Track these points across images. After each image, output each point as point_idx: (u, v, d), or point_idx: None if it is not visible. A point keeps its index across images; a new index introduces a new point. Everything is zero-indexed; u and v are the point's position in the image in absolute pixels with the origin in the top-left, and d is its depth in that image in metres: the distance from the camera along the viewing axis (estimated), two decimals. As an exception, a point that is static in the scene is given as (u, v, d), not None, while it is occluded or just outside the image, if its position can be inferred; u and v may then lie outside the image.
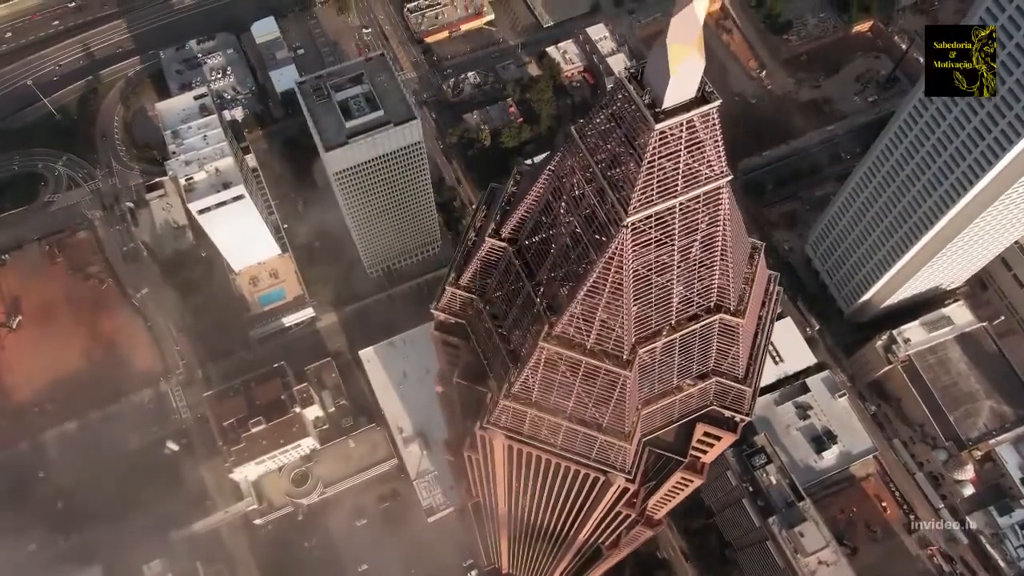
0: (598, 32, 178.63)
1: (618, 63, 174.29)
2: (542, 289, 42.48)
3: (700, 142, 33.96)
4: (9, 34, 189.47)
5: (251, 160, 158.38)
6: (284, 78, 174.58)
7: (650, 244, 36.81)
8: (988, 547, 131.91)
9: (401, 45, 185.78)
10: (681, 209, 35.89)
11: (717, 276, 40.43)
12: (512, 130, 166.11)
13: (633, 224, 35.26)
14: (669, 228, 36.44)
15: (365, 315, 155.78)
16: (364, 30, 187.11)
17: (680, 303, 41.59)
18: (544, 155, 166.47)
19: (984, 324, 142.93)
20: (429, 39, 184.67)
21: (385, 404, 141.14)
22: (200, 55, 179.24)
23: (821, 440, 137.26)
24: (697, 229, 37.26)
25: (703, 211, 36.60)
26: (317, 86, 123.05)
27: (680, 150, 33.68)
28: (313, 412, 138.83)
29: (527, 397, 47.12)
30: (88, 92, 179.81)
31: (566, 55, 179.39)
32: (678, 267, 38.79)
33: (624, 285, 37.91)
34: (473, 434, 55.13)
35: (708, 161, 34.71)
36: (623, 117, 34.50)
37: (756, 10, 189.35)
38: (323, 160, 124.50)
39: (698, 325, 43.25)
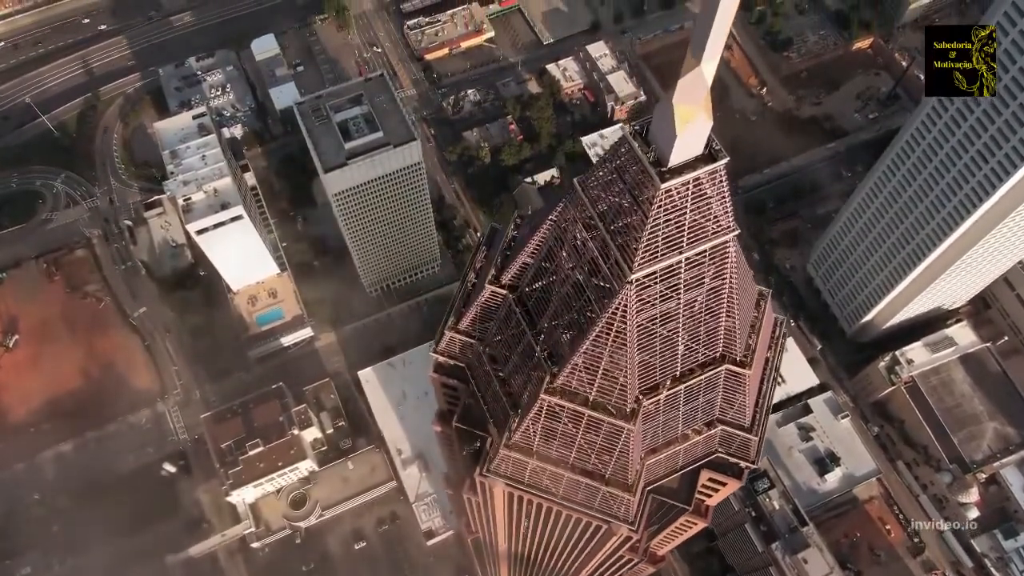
0: (598, 50, 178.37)
1: (618, 81, 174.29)
2: (543, 337, 41.60)
3: (707, 198, 33.17)
4: (8, 50, 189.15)
5: (250, 178, 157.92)
6: (284, 95, 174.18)
7: (655, 298, 35.96)
8: (993, 570, 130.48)
9: (401, 62, 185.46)
10: (687, 263, 35.06)
11: (723, 327, 39.56)
12: (512, 148, 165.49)
13: (637, 280, 34.47)
14: (674, 282, 35.61)
15: (364, 334, 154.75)
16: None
17: (685, 354, 40.70)
18: (545, 171, 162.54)
19: (987, 344, 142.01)
20: (429, 56, 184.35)
21: (384, 425, 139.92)
22: (200, 72, 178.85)
23: (824, 462, 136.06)
24: (703, 282, 36.44)
25: (709, 264, 35.78)
26: (316, 107, 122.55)
27: (686, 207, 32.87)
28: (311, 434, 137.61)
29: (528, 446, 46.12)
30: (87, 109, 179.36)
31: (566, 72, 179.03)
32: (683, 319, 37.96)
33: (628, 338, 37.05)
34: (472, 479, 54.08)
35: (715, 216, 33.92)
36: (627, 172, 33.66)
37: (756, 27, 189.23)
38: (322, 181, 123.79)
39: (704, 376, 42.40)
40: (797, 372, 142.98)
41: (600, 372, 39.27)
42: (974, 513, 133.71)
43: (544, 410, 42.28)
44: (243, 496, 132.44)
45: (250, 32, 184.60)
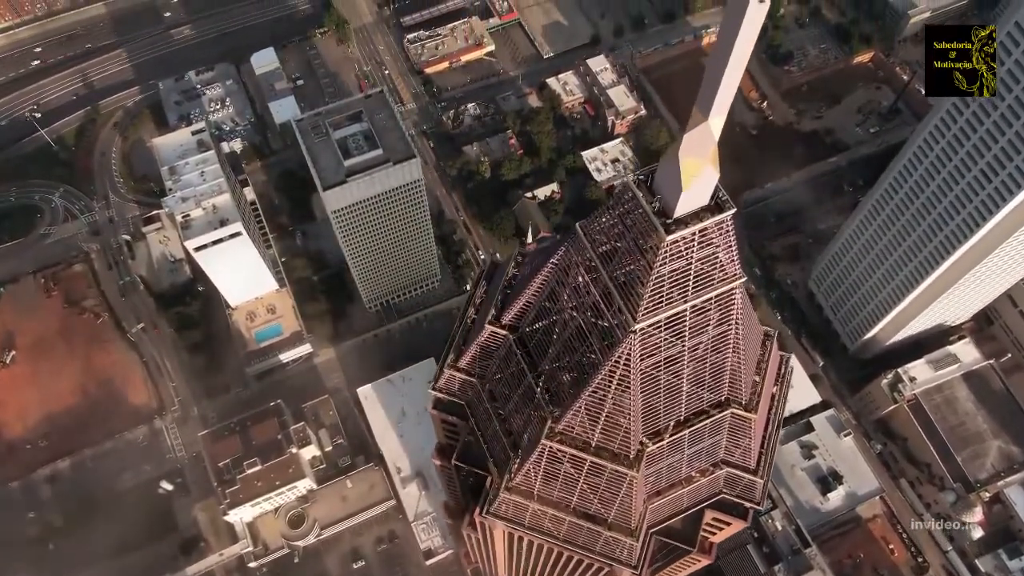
0: (599, 63, 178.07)
1: (619, 95, 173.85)
2: (544, 379, 40.77)
3: (713, 247, 32.46)
4: (7, 63, 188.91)
5: (249, 193, 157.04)
6: (283, 109, 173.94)
7: (659, 345, 35.19)
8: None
9: (401, 76, 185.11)
10: (692, 311, 34.33)
11: (728, 371, 38.78)
12: (512, 162, 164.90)
13: (642, 329, 33.71)
14: (679, 329, 34.86)
15: (363, 351, 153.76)
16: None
17: (690, 398, 39.92)
18: (545, 186, 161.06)
19: (991, 362, 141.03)
20: (429, 70, 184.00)
21: (383, 443, 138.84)
22: (199, 86, 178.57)
23: (827, 480, 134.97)
24: (708, 328, 35.69)
25: (715, 311, 35.04)
26: (315, 123, 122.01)
27: (692, 257, 32.16)
28: (310, 452, 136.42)
29: (529, 490, 45.27)
30: (86, 123, 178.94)
31: (566, 86, 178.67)
32: (688, 364, 37.18)
33: (631, 385, 36.27)
34: (472, 517, 53.16)
35: (721, 264, 33.18)
36: (631, 220, 32.96)
37: (757, 41, 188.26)
38: (322, 199, 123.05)
39: (708, 420, 41.60)
40: (799, 389, 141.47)
41: (603, 418, 38.50)
42: (978, 533, 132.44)
43: (545, 454, 41.48)
44: (241, 515, 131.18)
45: (250, 46, 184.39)
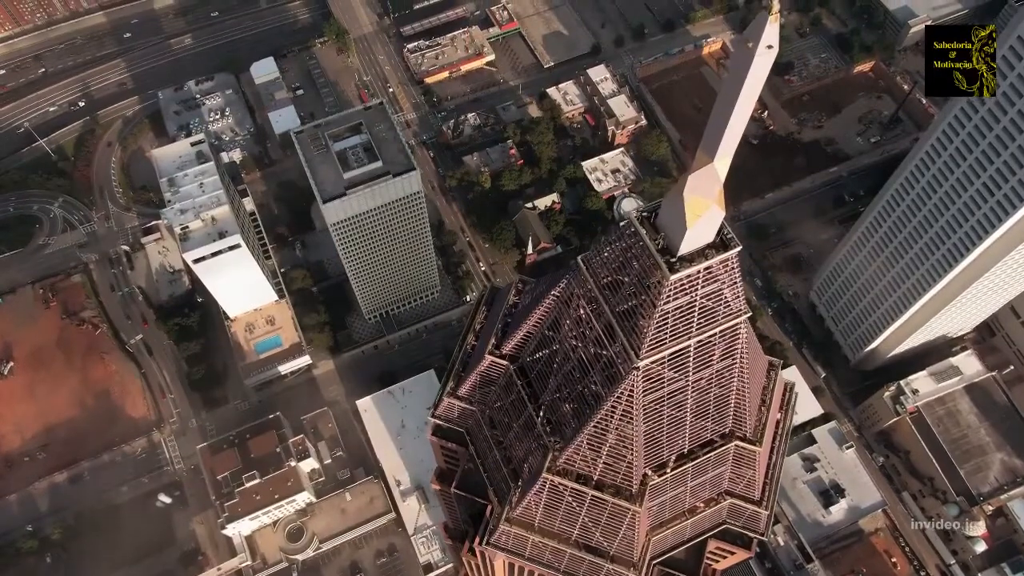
0: (599, 73, 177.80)
1: (619, 105, 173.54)
2: (544, 410, 40.11)
3: (718, 284, 31.86)
4: (5, 73, 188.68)
5: (248, 203, 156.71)
6: (283, 119, 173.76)
7: (663, 381, 34.59)
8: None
9: (401, 85, 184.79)
10: (696, 346, 33.74)
11: (732, 404, 38.18)
12: (512, 172, 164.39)
13: (645, 366, 33.11)
14: (683, 365, 34.26)
15: (363, 362, 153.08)
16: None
17: (694, 432, 39.29)
18: (545, 196, 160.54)
19: (993, 374, 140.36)
20: (429, 80, 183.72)
21: (382, 455, 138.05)
22: (198, 96, 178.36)
23: (829, 494, 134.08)
24: (712, 363, 35.09)
25: (719, 346, 34.45)
26: (315, 135, 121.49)
27: (696, 294, 31.58)
28: (309, 464, 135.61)
29: (529, 522, 44.57)
30: (85, 133, 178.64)
31: (567, 96, 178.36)
32: (692, 398, 36.58)
33: (634, 420, 35.64)
34: (472, 546, 52.41)
35: (726, 300, 32.60)
36: (635, 257, 32.37)
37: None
38: (321, 211, 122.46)
39: (712, 453, 40.95)
40: (801, 401, 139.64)
41: (605, 452, 37.84)
42: (981, 547, 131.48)
43: (547, 488, 40.80)
44: (239, 529, 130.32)
45: (249, 55, 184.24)
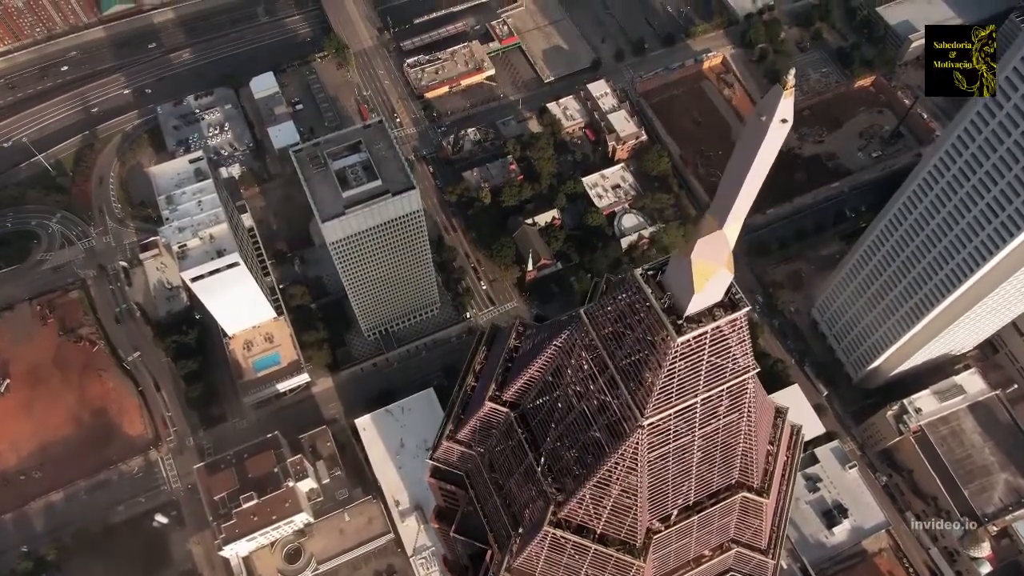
0: (599, 88, 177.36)
1: (619, 120, 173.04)
2: (546, 458, 39.15)
3: (726, 342, 31.02)
4: (5, 88, 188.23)
5: (247, 219, 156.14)
6: (282, 134, 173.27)
7: (668, 437, 33.71)
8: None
9: (401, 100, 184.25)
10: (703, 403, 32.89)
11: (739, 455, 37.28)
12: (512, 188, 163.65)
13: (650, 424, 32.23)
14: (689, 421, 33.38)
15: (362, 379, 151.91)
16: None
17: (700, 484, 38.38)
18: (546, 212, 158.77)
19: (997, 392, 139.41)
20: (429, 94, 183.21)
21: (381, 475, 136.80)
22: (198, 110, 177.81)
23: (832, 514, 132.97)
24: (719, 418, 34.21)
25: (726, 402, 33.60)
26: (314, 154, 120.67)
27: (703, 353, 30.76)
28: (307, 485, 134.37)
29: (530, 572, 43.48)
30: (84, 148, 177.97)
31: (567, 111, 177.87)
32: (698, 452, 35.69)
33: (638, 475, 34.72)
34: (472, 590, 51.45)
35: (734, 358, 31.76)
36: (639, 315, 31.54)
37: (757, 64, 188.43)
38: (320, 230, 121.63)
39: (719, 504, 40.01)
40: (803, 420, 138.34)
41: (608, 507, 36.92)
42: (986, 568, 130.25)
43: (548, 540, 39.82)
44: (236, 550, 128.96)
45: (249, 70, 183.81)
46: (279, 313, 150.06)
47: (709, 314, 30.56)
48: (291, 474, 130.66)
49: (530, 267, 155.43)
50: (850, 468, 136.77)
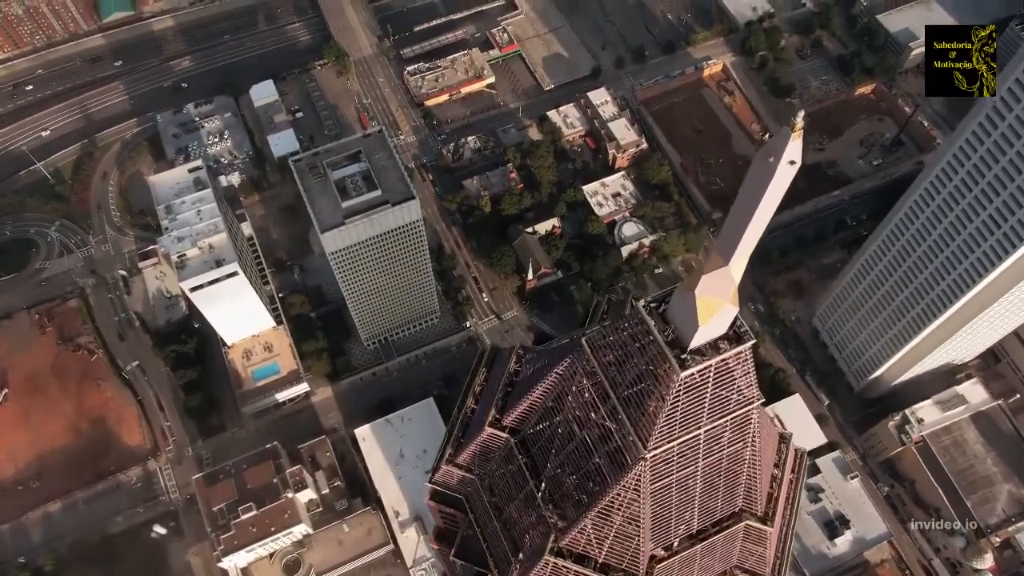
0: (599, 96, 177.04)
1: (620, 128, 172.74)
2: (546, 485, 38.63)
3: (730, 374, 30.55)
4: (5, 95, 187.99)
5: (247, 228, 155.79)
6: (282, 142, 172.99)
7: (671, 468, 33.21)
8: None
9: (401, 108, 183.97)
10: (707, 434, 32.41)
11: (743, 484, 36.78)
12: (512, 197, 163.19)
13: (653, 456, 31.76)
14: (693, 452, 32.90)
15: (361, 389, 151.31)
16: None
17: (703, 513, 37.87)
18: (546, 221, 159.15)
19: (999, 402, 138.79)
20: (429, 102, 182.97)
21: (381, 485, 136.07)
22: (197, 119, 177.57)
23: (833, 525, 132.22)
24: (723, 448, 33.73)
25: (730, 432, 33.12)
26: (313, 164, 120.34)
27: (708, 386, 30.29)
28: (306, 495, 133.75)
29: (532, 600, 43.05)
30: (83, 155, 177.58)
31: (567, 119, 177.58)
32: (701, 482, 35.17)
33: (641, 505, 34.22)
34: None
35: (739, 389, 31.29)
36: (642, 346, 31.07)
37: (758, 72, 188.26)
38: (320, 240, 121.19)
39: (722, 533, 39.50)
40: (805, 430, 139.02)
41: (610, 536, 36.41)
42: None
43: (548, 569, 39.28)
44: (235, 561, 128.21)
45: (249, 78, 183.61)
46: (278, 322, 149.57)
47: (714, 347, 30.14)
48: (290, 485, 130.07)
49: (530, 276, 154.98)
50: (852, 479, 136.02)
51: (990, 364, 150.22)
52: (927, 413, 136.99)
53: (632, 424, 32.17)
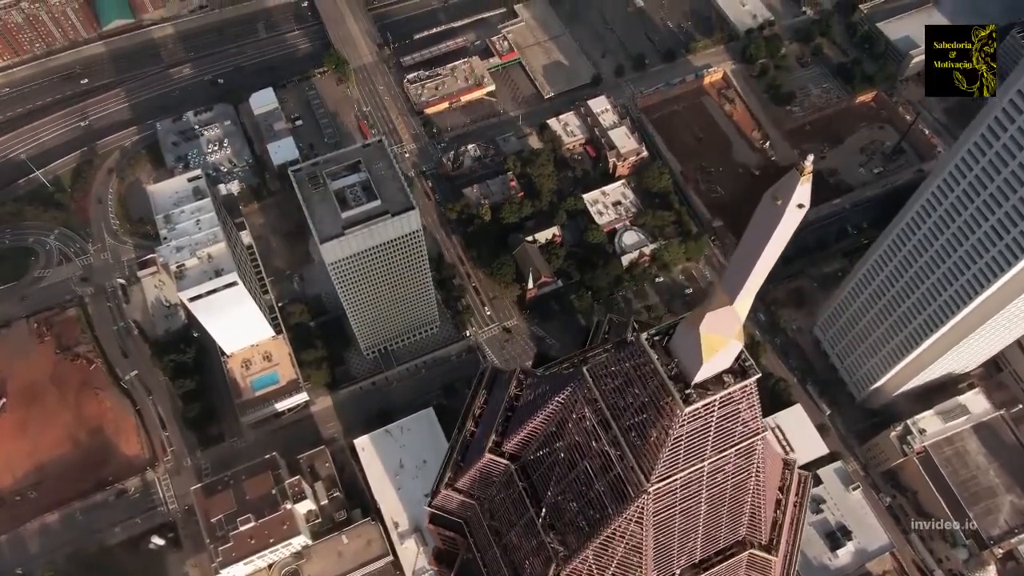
0: (599, 104, 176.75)
1: (620, 136, 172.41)
2: (547, 512, 38.11)
3: (735, 407, 30.08)
4: (4, 103, 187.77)
5: (246, 236, 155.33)
6: (282, 150, 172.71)
7: (675, 499, 32.69)
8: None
9: (401, 116, 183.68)
10: (711, 466, 31.90)
11: (747, 514, 36.26)
12: (512, 205, 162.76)
13: (656, 489, 31.26)
14: (696, 483, 32.40)
15: (361, 398, 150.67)
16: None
17: (706, 542, 37.34)
18: (546, 230, 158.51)
19: (1001, 412, 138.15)
20: (429, 110, 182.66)
21: (380, 496, 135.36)
22: (197, 126, 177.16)
23: (835, 536, 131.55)
24: (727, 479, 33.21)
25: (735, 463, 32.62)
26: (313, 174, 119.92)
27: (712, 418, 29.80)
28: (305, 506, 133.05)
29: (532, 630, 42.51)
30: (83, 163, 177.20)
31: (567, 127, 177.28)
32: (705, 512, 34.66)
33: (644, 536, 33.69)
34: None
35: (743, 421, 30.82)
36: (644, 378, 30.59)
37: (758, 80, 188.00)
38: (319, 250, 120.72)
39: (725, 563, 38.97)
40: (806, 441, 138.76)
41: (612, 566, 35.89)
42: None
43: (550, 599, 38.83)
44: (234, 573, 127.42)
45: (249, 85, 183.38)
46: (278, 331, 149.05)
47: (718, 381, 29.66)
48: (289, 496, 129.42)
49: (530, 285, 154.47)
50: (854, 489, 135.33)
51: (992, 373, 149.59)
52: (929, 423, 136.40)
53: (635, 456, 31.69)
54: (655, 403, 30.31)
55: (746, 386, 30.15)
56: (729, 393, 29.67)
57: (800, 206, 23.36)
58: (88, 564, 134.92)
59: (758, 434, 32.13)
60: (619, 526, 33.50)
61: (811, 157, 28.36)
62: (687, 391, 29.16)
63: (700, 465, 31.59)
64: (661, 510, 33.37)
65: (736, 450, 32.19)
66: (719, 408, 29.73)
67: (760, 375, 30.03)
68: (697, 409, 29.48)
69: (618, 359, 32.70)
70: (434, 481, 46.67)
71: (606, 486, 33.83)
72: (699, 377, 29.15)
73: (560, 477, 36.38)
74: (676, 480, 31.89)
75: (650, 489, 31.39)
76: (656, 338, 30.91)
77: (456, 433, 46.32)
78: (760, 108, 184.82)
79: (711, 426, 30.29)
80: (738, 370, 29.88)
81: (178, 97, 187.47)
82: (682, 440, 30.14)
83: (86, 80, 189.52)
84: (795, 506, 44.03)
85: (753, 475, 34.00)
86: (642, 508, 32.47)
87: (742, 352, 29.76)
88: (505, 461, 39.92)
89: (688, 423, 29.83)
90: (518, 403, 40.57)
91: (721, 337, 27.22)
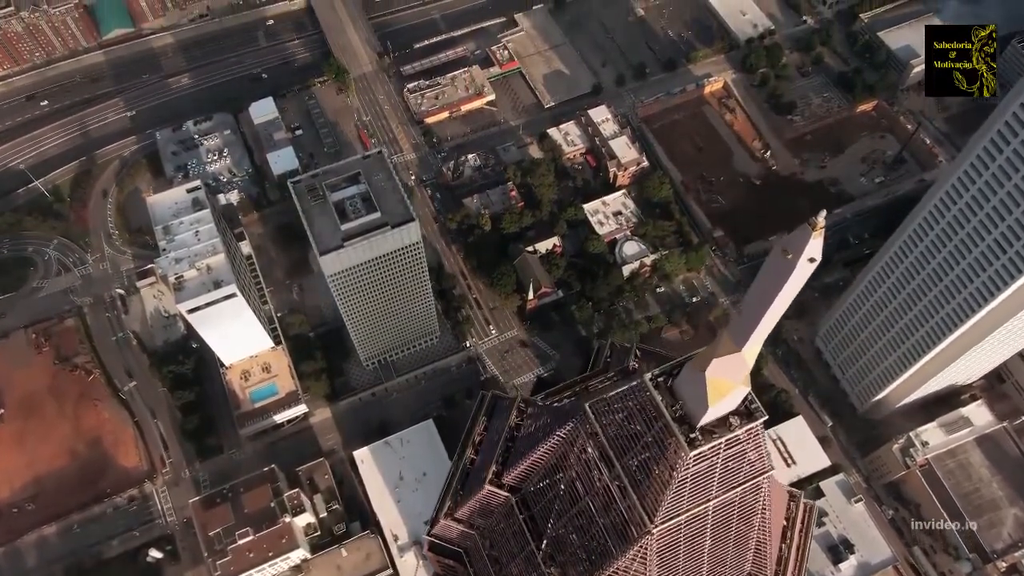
0: (600, 114, 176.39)
1: (620, 146, 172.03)
2: (547, 545, 37.45)
3: (741, 448, 29.47)
4: (3, 112, 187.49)
5: (245, 246, 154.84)
6: (282, 160, 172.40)
7: (679, 538, 32.06)
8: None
9: (401, 126, 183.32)
10: (716, 506, 31.27)
11: (752, 549, 35.61)
12: (513, 215, 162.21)
13: (659, 531, 30.63)
14: (701, 523, 31.76)
15: (360, 410, 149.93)
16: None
17: (710, 578, 36.77)
18: (546, 240, 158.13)
19: (1004, 424, 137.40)
20: (429, 120, 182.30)
21: (380, 509, 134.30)
22: (197, 136, 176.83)
23: (838, 550, 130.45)
24: (733, 517, 32.58)
25: (741, 501, 31.97)
26: (312, 185, 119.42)
27: (717, 460, 29.19)
28: (304, 519, 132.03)
29: (533, 662, 41.86)
30: (82, 173, 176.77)
31: (567, 136, 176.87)
32: (710, 550, 34.02)
33: (647, 574, 33.04)
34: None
35: (749, 462, 30.20)
36: (648, 419, 29.98)
37: (759, 90, 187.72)
38: (319, 262, 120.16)
39: (730, 598, 38.36)
40: (808, 453, 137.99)
41: (615, 605, 35.30)
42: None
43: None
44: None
45: (249, 94, 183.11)
46: (277, 343, 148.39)
47: (724, 422, 29.05)
48: (288, 509, 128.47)
49: (531, 295, 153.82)
50: (856, 502, 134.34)
51: (994, 384, 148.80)
52: (931, 436, 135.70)
53: (638, 496, 31.09)
54: (659, 443, 29.72)
55: (752, 428, 29.52)
56: (735, 436, 29.04)
57: (811, 260, 22.84)
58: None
59: (764, 472, 31.51)
60: (622, 564, 32.89)
61: (823, 213, 27.75)
62: (692, 435, 28.58)
63: (705, 506, 30.97)
64: (664, 549, 32.74)
65: (742, 489, 31.56)
66: (725, 450, 29.15)
67: (767, 417, 29.48)
68: (703, 452, 28.87)
69: (622, 396, 32.11)
70: (433, 508, 45.91)
71: (609, 524, 33.19)
72: (705, 420, 28.54)
73: (562, 511, 35.72)
74: (680, 520, 31.28)
75: (654, 530, 30.77)
76: (660, 379, 30.30)
77: (456, 460, 45.70)
78: (761, 117, 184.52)
79: (716, 467, 29.71)
80: (744, 412, 29.30)
81: (177, 106, 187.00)
82: (687, 482, 29.53)
83: (87, 95, 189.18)
84: (800, 538, 43.36)
85: (759, 512, 33.38)
86: (645, 548, 31.86)
87: (749, 394, 29.14)
88: (505, 493, 39.29)
89: (693, 465, 29.22)
90: (519, 433, 39.98)
91: (728, 382, 26.65)
